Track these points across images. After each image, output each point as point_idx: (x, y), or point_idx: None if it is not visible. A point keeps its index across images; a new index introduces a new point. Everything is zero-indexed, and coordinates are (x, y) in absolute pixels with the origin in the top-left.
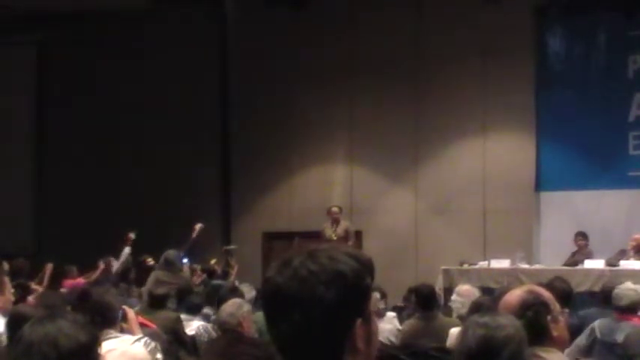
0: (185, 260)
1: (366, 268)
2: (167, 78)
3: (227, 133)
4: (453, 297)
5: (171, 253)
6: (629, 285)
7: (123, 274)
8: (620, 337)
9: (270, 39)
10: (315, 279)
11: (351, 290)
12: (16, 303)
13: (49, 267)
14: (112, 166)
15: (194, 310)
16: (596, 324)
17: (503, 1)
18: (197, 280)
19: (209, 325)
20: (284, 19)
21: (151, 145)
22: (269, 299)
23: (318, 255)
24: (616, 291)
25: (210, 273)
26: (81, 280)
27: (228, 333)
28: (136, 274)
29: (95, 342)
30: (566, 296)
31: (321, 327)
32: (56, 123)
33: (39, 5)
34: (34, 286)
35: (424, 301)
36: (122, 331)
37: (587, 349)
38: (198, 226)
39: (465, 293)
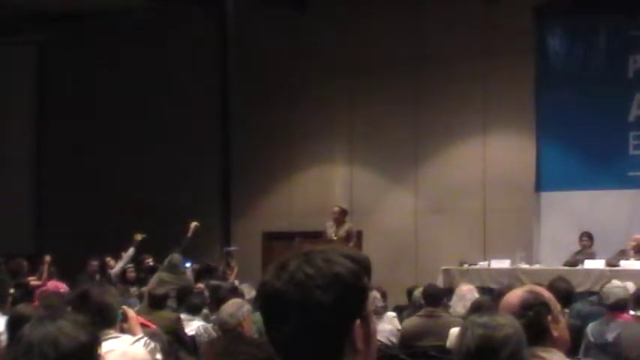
0: (188, 264)
1: (363, 267)
2: (167, 78)
3: (227, 133)
4: (454, 297)
5: (175, 256)
6: (616, 283)
7: (121, 274)
8: (610, 337)
9: (270, 39)
10: (312, 283)
11: (349, 292)
12: (16, 303)
13: (47, 259)
14: (112, 166)
15: (194, 310)
16: (588, 327)
17: (503, 1)
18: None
19: (209, 325)
20: (284, 19)
21: (150, 144)
22: (266, 303)
23: (314, 257)
24: (604, 290)
25: (211, 270)
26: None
27: (229, 333)
28: (136, 274)
29: (95, 342)
30: (567, 296)
31: (320, 330)
32: (56, 123)
33: (39, 5)
34: (33, 282)
35: (431, 299)
36: (122, 331)
37: (584, 353)
38: (193, 225)
39: (464, 293)
